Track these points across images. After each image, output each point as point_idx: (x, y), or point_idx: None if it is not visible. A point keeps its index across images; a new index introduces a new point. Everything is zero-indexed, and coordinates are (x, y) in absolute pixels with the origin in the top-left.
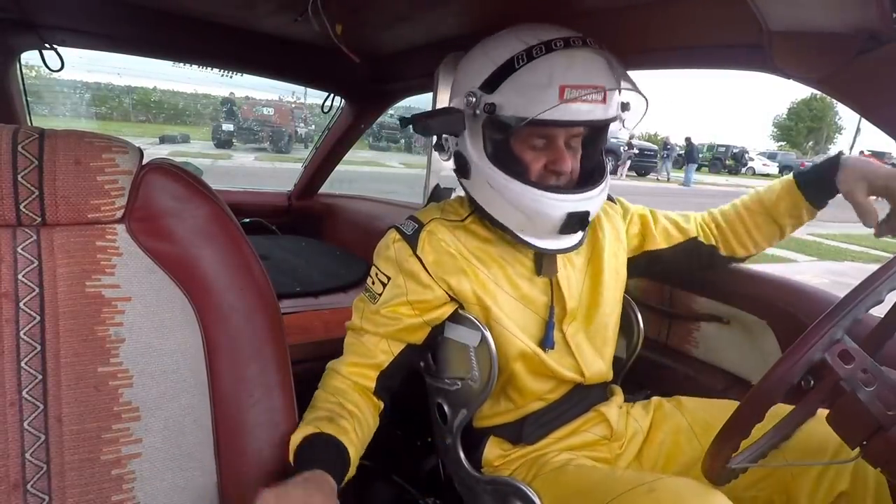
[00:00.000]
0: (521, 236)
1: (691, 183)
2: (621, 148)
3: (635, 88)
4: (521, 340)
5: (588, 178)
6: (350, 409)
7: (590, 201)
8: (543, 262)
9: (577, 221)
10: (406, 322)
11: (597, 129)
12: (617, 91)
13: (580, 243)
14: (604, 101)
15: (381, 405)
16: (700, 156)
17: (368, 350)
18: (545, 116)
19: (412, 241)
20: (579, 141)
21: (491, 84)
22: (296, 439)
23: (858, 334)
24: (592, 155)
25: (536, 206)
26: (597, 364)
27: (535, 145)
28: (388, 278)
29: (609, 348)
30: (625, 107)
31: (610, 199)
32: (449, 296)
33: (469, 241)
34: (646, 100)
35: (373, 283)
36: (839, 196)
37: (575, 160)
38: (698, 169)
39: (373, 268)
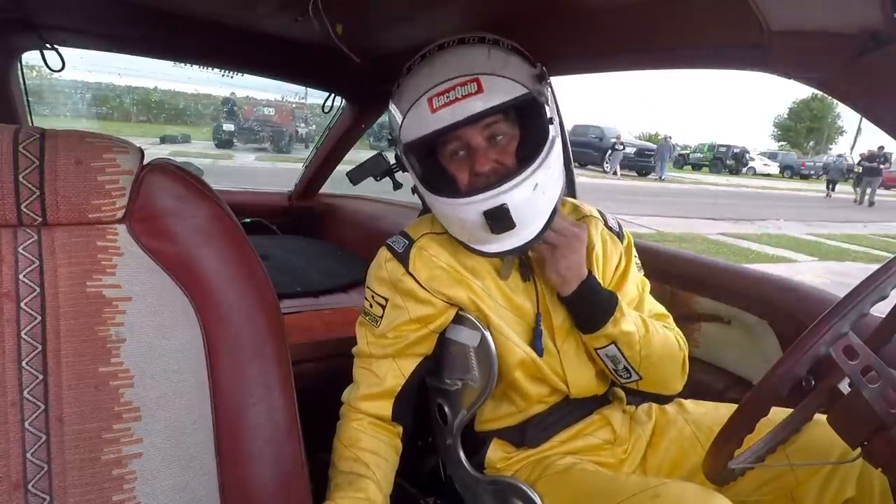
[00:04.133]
0: (473, 246)
1: (664, 176)
2: (614, 146)
3: (503, 74)
4: (520, 348)
5: (520, 166)
6: (366, 460)
7: (507, 194)
8: (503, 265)
9: (499, 218)
10: (413, 336)
11: (523, 110)
12: (501, 74)
13: (532, 242)
14: (479, 90)
15: (401, 429)
16: (700, 155)
17: (379, 378)
18: (421, 134)
19: (403, 258)
20: (505, 129)
21: (393, 118)
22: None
23: (861, 334)
24: (531, 137)
25: (454, 213)
26: (584, 379)
27: (457, 154)
28: (386, 299)
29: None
30: (541, 78)
31: (619, 233)
32: (448, 304)
33: (460, 253)
34: (523, 86)
35: (370, 305)
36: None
37: (504, 154)
38: (699, 169)
39: (367, 290)
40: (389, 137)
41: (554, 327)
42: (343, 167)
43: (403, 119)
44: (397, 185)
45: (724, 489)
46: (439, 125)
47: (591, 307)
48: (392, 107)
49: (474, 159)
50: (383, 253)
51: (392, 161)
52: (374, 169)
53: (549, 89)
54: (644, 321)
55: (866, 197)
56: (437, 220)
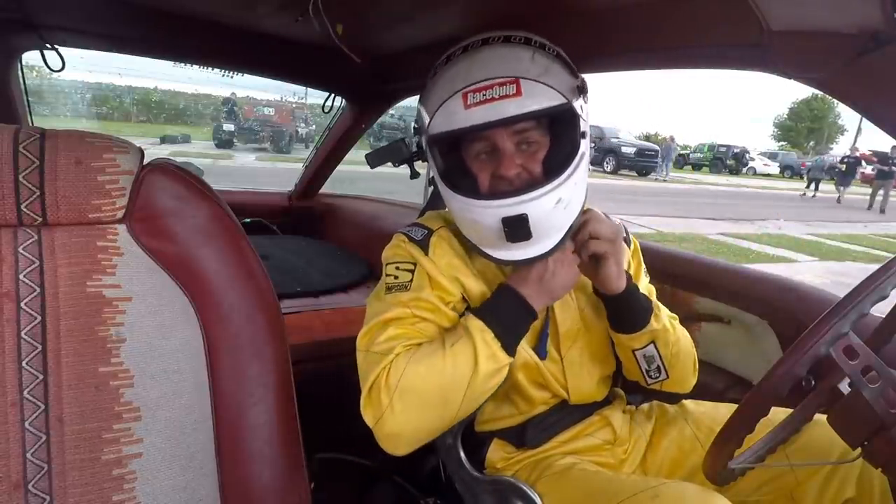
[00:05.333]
0: (483, 249)
1: (667, 177)
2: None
3: (544, 81)
4: (524, 350)
5: (546, 177)
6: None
7: (527, 204)
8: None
9: (517, 227)
10: (439, 305)
11: (556, 119)
12: (540, 80)
13: (542, 257)
14: (517, 93)
15: None
16: (700, 155)
17: (427, 335)
18: (450, 128)
19: (423, 245)
20: (536, 136)
21: (422, 107)
22: (473, 324)
23: (861, 334)
24: (560, 148)
25: (472, 215)
26: (585, 387)
27: (482, 155)
28: (414, 264)
29: (605, 367)
30: (581, 90)
31: (626, 239)
32: (462, 297)
33: (472, 253)
34: (560, 93)
35: (396, 277)
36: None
37: (531, 161)
38: (699, 169)
39: (389, 266)
40: (416, 126)
41: (559, 334)
42: (343, 167)
43: (436, 111)
44: (415, 174)
45: (724, 489)
46: (470, 123)
47: (637, 303)
48: (423, 96)
49: (500, 162)
50: (400, 237)
51: (414, 149)
52: (395, 155)
53: (586, 103)
54: (669, 318)
55: (878, 200)
56: (449, 217)
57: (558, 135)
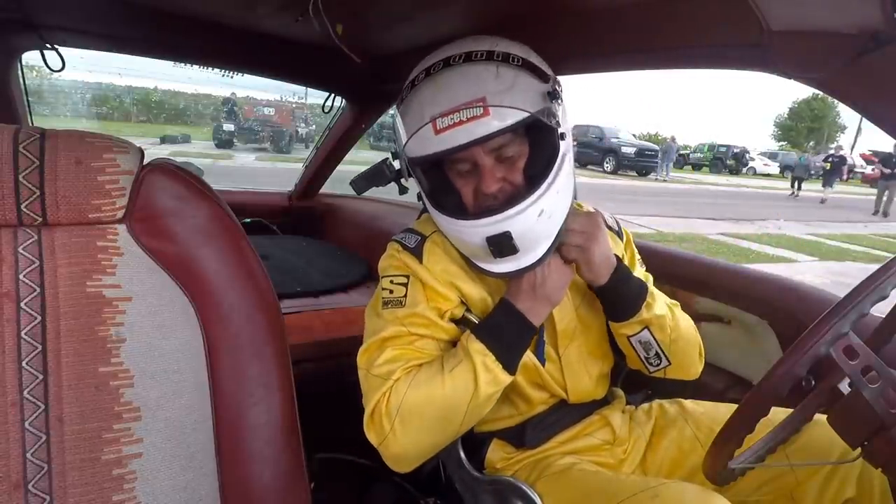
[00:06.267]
0: (475, 263)
1: (667, 177)
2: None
3: (510, 97)
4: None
5: (526, 189)
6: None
7: (510, 221)
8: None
9: (502, 244)
10: (435, 320)
11: (531, 127)
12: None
13: (533, 266)
14: (485, 113)
15: None
16: (700, 155)
17: (425, 354)
18: (424, 153)
19: (417, 252)
20: (514, 147)
21: (397, 130)
22: (474, 347)
23: (861, 334)
24: (539, 156)
25: (459, 235)
26: (583, 386)
27: (463, 171)
28: (407, 277)
29: (604, 364)
30: (553, 96)
31: (618, 232)
32: (461, 300)
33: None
34: (527, 112)
35: (391, 291)
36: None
37: (512, 172)
38: (699, 169)
39: (384, 280)
40: (394, 151)
41: (557, 332)
42: (343, 167)
43: (408, 139)
44: (403, 190)
45: (723, 489)
46: (442, 147)
47: (625, 293)
48: (397, 119)
49: (481, 179)
50: (394, 246)
51: (397, 167)
52: (378, 179)
53: (561, 103)
54: (668, 305)
55: (882, 202)
56: None
57: (536, 142)
